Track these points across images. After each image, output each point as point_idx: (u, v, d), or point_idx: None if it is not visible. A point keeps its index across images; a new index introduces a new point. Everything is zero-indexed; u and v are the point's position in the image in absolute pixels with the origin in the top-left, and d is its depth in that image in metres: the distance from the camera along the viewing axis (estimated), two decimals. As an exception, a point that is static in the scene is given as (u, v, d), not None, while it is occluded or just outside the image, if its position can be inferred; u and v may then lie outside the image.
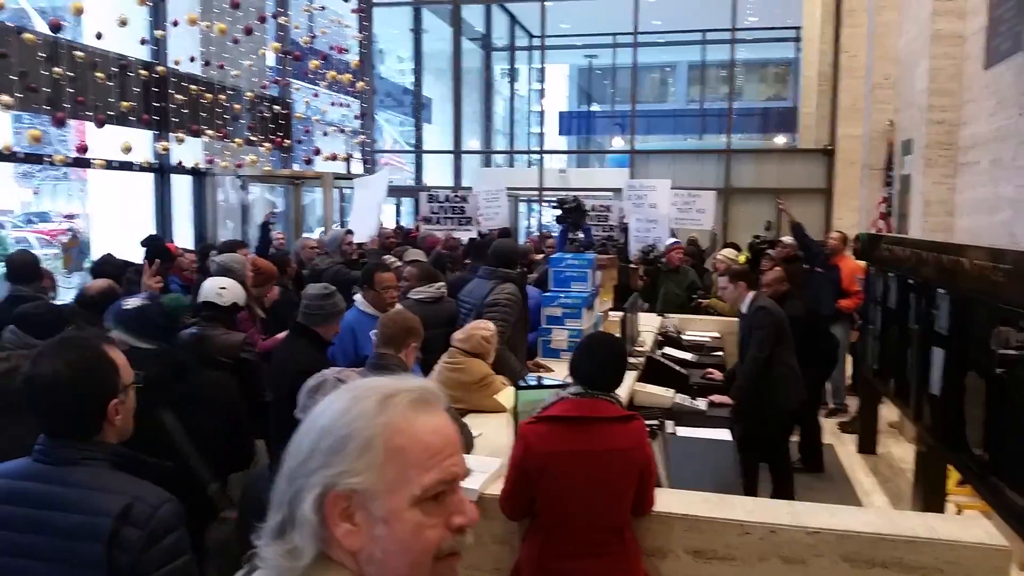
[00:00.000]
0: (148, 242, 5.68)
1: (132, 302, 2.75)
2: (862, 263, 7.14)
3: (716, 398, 4.91)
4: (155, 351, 2.73)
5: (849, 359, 7.52)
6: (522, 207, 18.72)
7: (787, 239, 8.61)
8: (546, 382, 3.79)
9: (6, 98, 6.81)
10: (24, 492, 1.70)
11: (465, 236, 9.11)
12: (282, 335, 4.45)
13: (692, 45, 23.50)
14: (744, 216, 14.16)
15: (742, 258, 8.51)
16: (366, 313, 4.43)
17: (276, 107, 11.76)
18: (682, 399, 4.79)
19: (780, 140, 22.97)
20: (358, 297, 4.48)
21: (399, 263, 6.15)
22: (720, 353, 6.39)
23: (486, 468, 3.02)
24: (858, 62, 12.04)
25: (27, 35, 7.26)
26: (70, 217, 17.87)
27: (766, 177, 14.41)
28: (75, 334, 2.03)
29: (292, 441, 1.03)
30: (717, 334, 6.91)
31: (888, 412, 7.05)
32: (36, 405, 1.77)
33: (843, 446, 6.72)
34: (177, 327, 2.81)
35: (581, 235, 8.36)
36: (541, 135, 16.53)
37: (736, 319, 5.57)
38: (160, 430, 2.66)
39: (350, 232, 7.84)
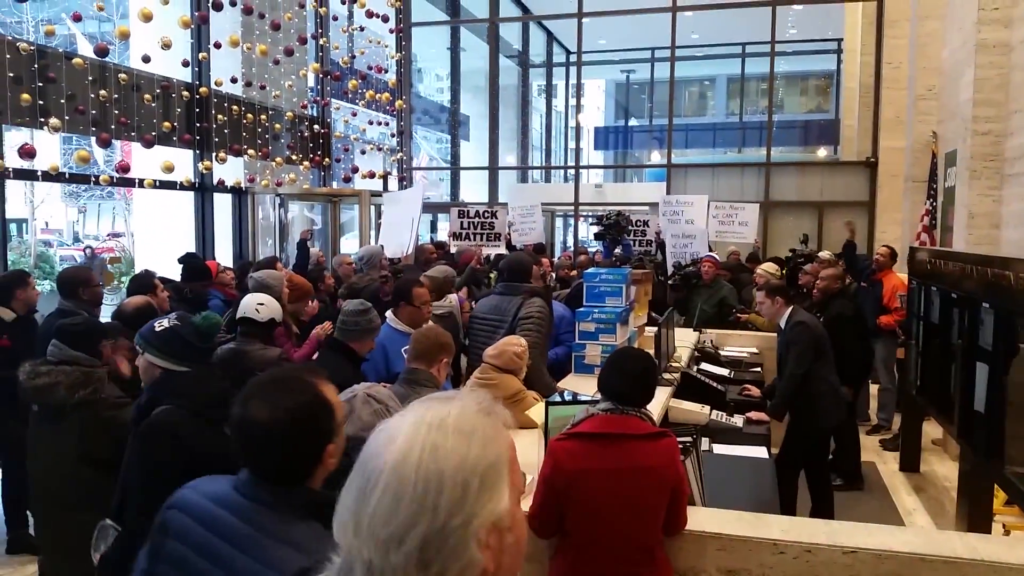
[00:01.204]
0: (184, 260, 5.80)
1: (163, 323, 2.68)
2: (904, 279, 7.01)
3: (754, 415, 4.83)
4: (195, 375, 2.70)
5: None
6: (558, 222, 18.73)
7: (824, 254, 8.50)
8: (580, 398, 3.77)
9: (55, 121, 7.03)
10: (219, 520, 1.63)
11: (493, 252, 9.13)
12: (309, 342, 4.51)
13: (731, 58, 23.38)
14: (784, 230, 13.97)
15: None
16: (397, 330, 4.45)
17: (315, 126, 11.96)
18: (718, 416, 4.73)
19: (821, 153, 22.69)
20: (389, 314, 4.51)
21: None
22: (758, 369, 6.31)
23: (516, 484, 3.00)
24: (901, 73, 11.86)
25: (76, 60, 7.50)
26: (115, 236, 18.33)
27: (807, 190, 14.22)
28: (288, 371, 1.83)
29: (380, 506, 0.94)
30: (755, 349, 6.81)
31: (931, 429, 6.88)
32: (247, 449, 1.67)
33: (885, 464, 6.56)
34: (212, 347, 2.77)
35: (618, 250, 8.34)
36: (577, 150, 16.55)
37: (775, 335, 5.49)
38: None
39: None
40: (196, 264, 5.82)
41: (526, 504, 2.79)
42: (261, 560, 1.55)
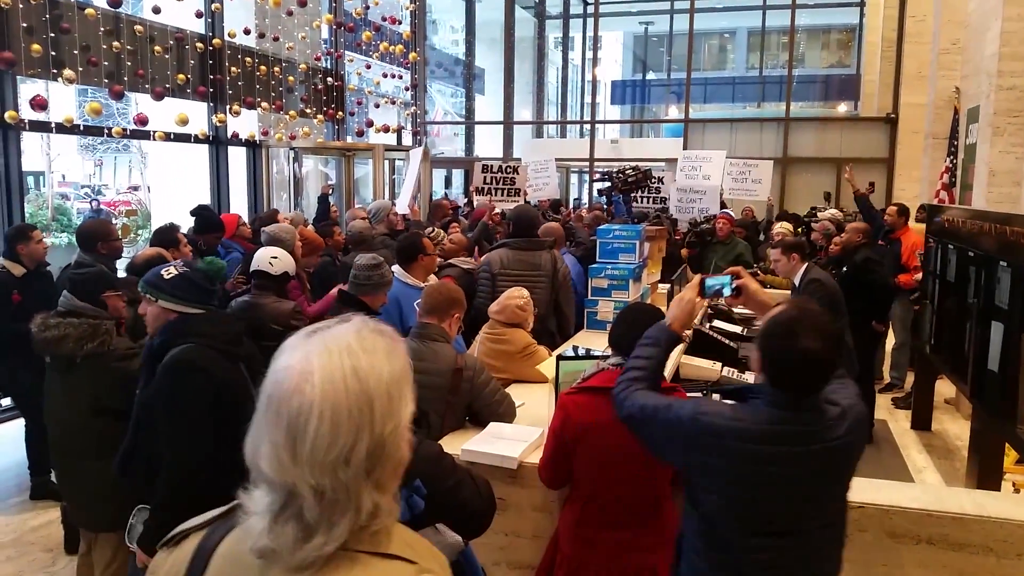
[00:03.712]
0: (196, 212, 5.81)
1: (169, 270, 2.73)
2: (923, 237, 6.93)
3: (763, 372, 4.83)
4: (209, 316, 2.78)
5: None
6: (573, 178, 18.59)
7: (828, 212, 8.41)
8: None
9: (69, 72, 7.01)
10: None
11: (511, 207, 9.09)
12: (325, 299, 4.56)
13: (752, 11, 22.88)
14: (803, 186, 13.83)
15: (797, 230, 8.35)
16: (409, 285, 4.48)
17: (329, 79, 11.86)
18: (729, 372, 4.73)
19: (842, 108, 22.30)
20: (398, 269, 4.52)
21: (445, 234, 6.25)
22: (772, 327, 6.28)
23: (526, 437, 3.04)
24: (925, 27, 11.60)
25: (88, 10, 7.44)
26: (133, 189, 18.37)
27: (826, 146, 14.03)
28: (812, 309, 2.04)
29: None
30: (769, 307, 6.78)
31: (944, 388, 6.87)
32: (804, 375, 1.96)
33: (896, 422, 6.58)
34: (216, 291, 2.83)
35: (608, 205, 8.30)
36: (594, 105, 16.33)
37: (789, 292, 5.47)
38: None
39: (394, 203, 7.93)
40: (208, 216, 5.84)
41: (536, 456, 2.83)
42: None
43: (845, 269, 6.02)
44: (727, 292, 2.60)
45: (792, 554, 2.04)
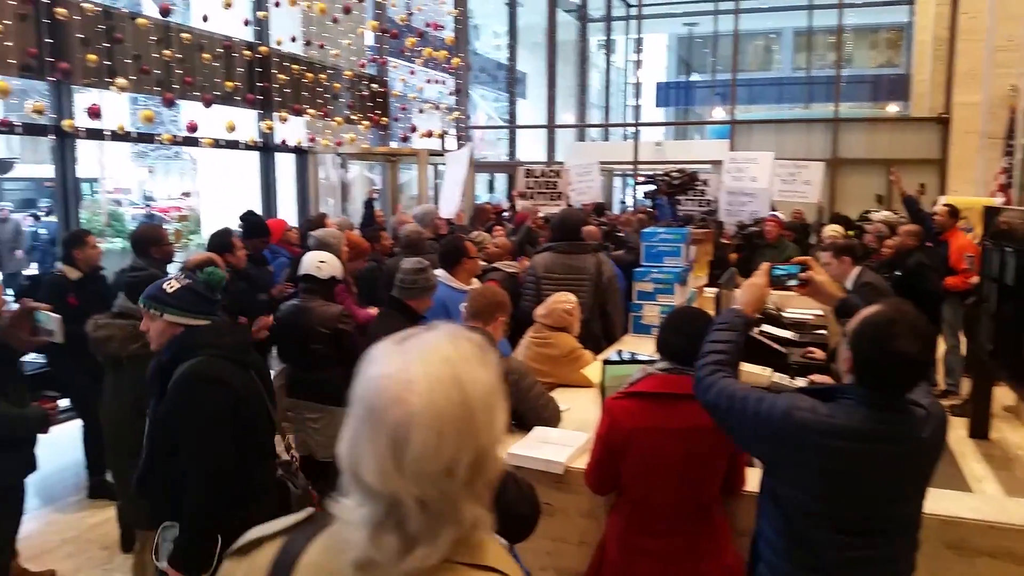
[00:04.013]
0: (244, 217, 5.91)
1: (171, 283, 2.68)
2: (971, 239, 6.73)
3: (817, 378, 4.73)
4: (216, 326, 2.74)
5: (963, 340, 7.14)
6: (616, 181, 18.48)
7: (881, 215, 8.23)
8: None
9: (122, 81, 7.18)
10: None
11: (555, 211, 9.07)
12: (372, 309, 4.59)
13: (798, 10, 22.54)
14: (853, 188, 13.57)
15: (849, 233, 8.19)
16: (454, 288, 4.49)
17: (374, 85, 11.97)
18: (780, 378, 4.64)
19: (891, 108, 21.84)
20: (441, 272, 4.53)
21: (489, 238, 6.25)
22: (823, 331, 6.16)
23: (573, 442, 3.02)
24: (978, 24, 11.29)
25: (140, 20, 7.62)
26: (185, 195, 18.79)
27: (877, 147, 13.74)
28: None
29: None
30: (820, 311, 6.65)
31: (1003, 395, 6.65)
32: (901, 376, 1.96)
33: (953, 430, 6.36)
34: (218, 300, 2.80)
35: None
36: (637, 107, 16.23)
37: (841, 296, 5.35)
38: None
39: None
40: (255, 221, 5.94)
41: (583, 461, 2.80)
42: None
43: (898, 273, 5.88)
44: (794, 282, 2.60)
45: (877, 553, 2.03)
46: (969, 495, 3.77)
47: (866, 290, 4.79)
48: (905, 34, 22.30)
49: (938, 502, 2.65)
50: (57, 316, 2.22)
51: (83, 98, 7.86)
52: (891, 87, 23.04)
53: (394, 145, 12.54)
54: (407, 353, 1.03)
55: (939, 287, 6.07)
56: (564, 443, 3.01)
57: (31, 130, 6.97)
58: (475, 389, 1.02)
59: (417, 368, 1.01)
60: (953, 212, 7.07)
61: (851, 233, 8.27)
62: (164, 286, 2.66)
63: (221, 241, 5.02)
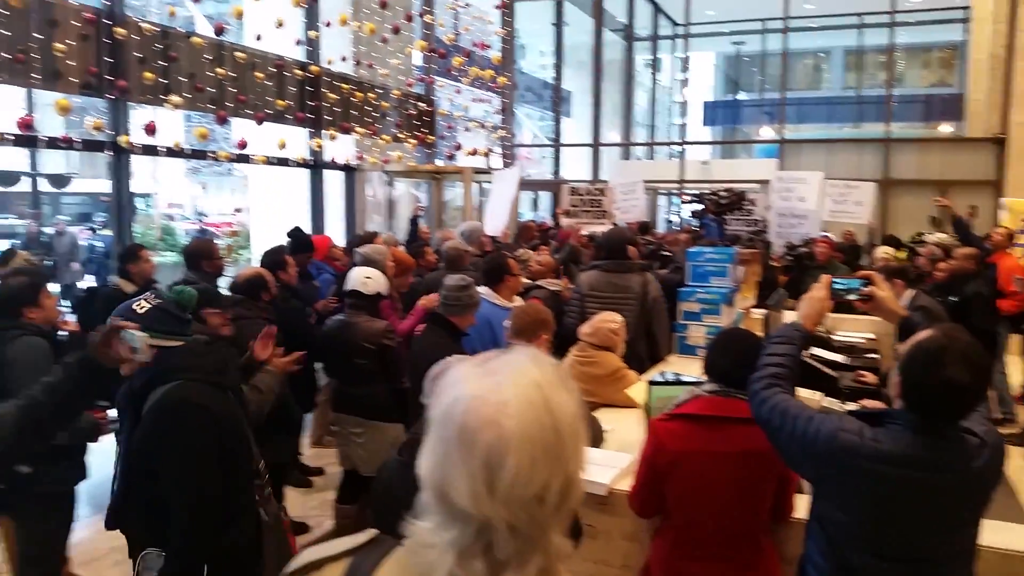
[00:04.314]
0: (291, 233, 6.00)
1: (141, 304, 2.53)
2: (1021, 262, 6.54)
3: (868, 403, 4.61)
4: (191, 347, 2.64)
5: (1018, 365, 6.90)
6: (662, 200, 18.37)
7: (935, 237, 8.03)
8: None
9: (176, 99, 7.37)
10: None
11: (599, 230, 9.05)
12: (413, 314, 4.63)
13: (848, 29, 22.25)
14: (905, 210, 13.28)
15: (901, 254, 8.01)
16: (498, 305, 4.48)
17: (421, 104, 12.11)
18: (831, 403, 4.54)
19: (944, 129, 21.38)
20: (484, 289, 4.53)
21: (533, 255, 6.24)
22: (875, 355, 6.01)
23: (616, 463, 2.98)
24: (1038, 42, 11.02)
25: (195, 39, 7.83)
26: (237, 211, 19.19)
27: (929, 168, 13.45)
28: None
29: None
30: (872, 335, 6.50)
31: (1064, 424, 6.41)
32: (951, 404, 1.91)
33: (1011, 460, 6.15)
34: (190, 320, 2.67)
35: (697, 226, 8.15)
36: (683, 126, 16.13)
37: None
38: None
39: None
40: (300, 237, 6.02)
41: (627, 483, 2.76)
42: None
43: (954, 299, 5.72)
44: (855, 296, 2.53)
45: None
46: (1030, 528, 3.63)
47: (920, 314, 4.67)
48: (959, 53, 21.85)
49: (996, 534, 2.54)
50: (143, 335, 2.23)
51: (139, 115, 8.08)
52: (944, 107, 22.56)
53: (439, 163, 12.65)
54: (497, 375, 1.02)
55: (991, 320, 5.85)
56: (607, 464, 2.97)
57: (89, 146, 7.19)
58: (563, 414, 1.00)
59: (509, 391, 0.99)
60: (1009, 235, 6.90)
61: (902, 255, 8.10)
62: (134, 307, 2.51)
63: (274, 259, 5.10)
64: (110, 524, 2.63)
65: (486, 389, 1.00)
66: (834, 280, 2.55)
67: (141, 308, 2.51)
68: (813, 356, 5.51)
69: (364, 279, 4.38)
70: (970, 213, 8.24)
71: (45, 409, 2.14)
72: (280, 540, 2.78)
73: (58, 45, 6.46)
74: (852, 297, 2.52)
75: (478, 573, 0.97)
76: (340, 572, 1.09)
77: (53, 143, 6.86)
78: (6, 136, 6.24)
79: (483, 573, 0.97)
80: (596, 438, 3.26)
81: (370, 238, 6.77)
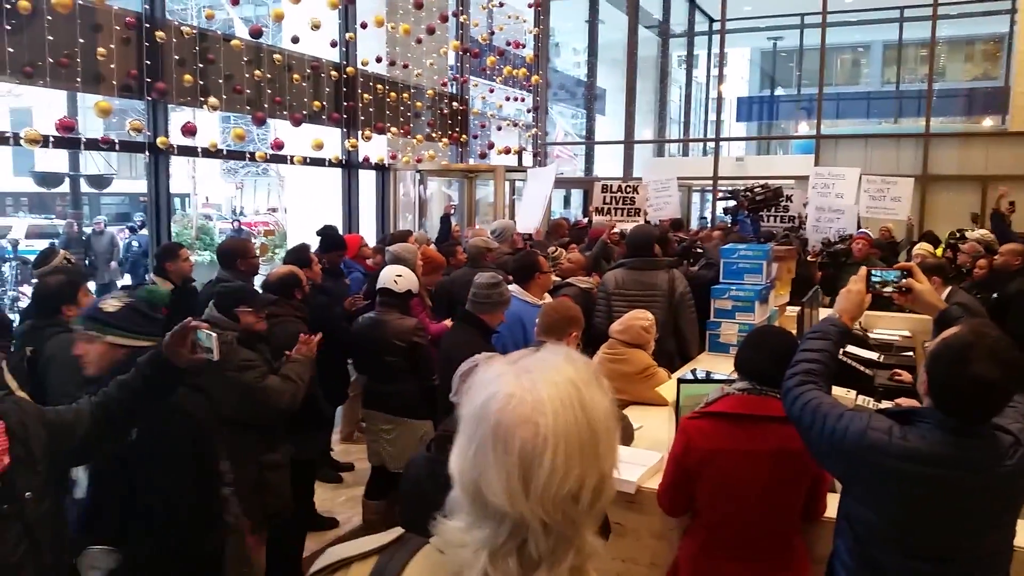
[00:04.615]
0: (322, 231, 6.06)
1: (111, 303, 2.47)
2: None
3: (904, 402, 4.53)
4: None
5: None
6: (695, 197, 18.22)
7: (976, 233, 7.85)
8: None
9: (214, 100, 7.49)
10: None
11: (630, 227, 8.99)
12: (447, 322, 4.64)
13: (888, 23, 21.86)
14: (944, 206, 13.02)
15: (939, 251, 7.86)
16: (529, 303, 4.49)
17: (454, 103, 12.15)
18: (864, 401, 4.47)
19: (987, 123, 20.90)
20: (515, 287, 4.54)
21: (564, 252, 6.25)
22: (910, 353, 5.91)
23: (645, 461, 2.96)
24: (1085, 33, 10.72)
25: (234, 42, 7.95)
26: (272, 210, 19.43)
27: (970, 163, 13.16)
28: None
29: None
30: (908, 333, 6.38)
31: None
32: (980, 403, 1.88)
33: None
34: (161, 320, 2.59)
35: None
36: (718, 122, 15.98)
37: (930, 317, 5.13)
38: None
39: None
40: (332, 235, 6.07)
41: (655, 481, 2.75)
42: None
43: (995, 296, 5.60)
44: (893, 289, 2.46)
45: None
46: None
47: (958, 308, 4.58)
48: (1004, 45, 21.34)
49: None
50: (215, 334, 2.25)
51: (178, 116, 8.22)
52: (987, 100, 22.06)
53: (472, 161, 12.69)
54: (531, 373, 1.01)
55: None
56: (636, 462, 2.96)
57: (128, 147, 7.34)
58: (598, 412, 1.00)
59: (545, 389, 0.99)
60: None
61: (940, 252, 7.94)
62: (102, 305, 2.46)
63: (299, 256, 5.16)
64: (80, 529, 2.45)
65: (521, 387, 0.99)
66: (871, 272, 2.49)
67: (111, 307, 2.46)
68: (848, 354, 5.43)
69: (395, 277, 4.41)
70: (1009, 209, 8.06)
71: (119, 405, 2.17)
72: (239, 543, 2.81)
73: (100, 49, 6.59)
74: (889, 290, 2.46)
75: (511, 572, 0.97)
76: (367, 571, 1.09)
77: (93, 144, 7.01)
78: (48, 138, 6.39)
79: (516, 572, 0.97)
80: (626, 436, 3.25)
81: (402, 236, 6.81)
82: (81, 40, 6.51)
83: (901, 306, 7.01)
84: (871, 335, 6.29)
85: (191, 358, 2.21)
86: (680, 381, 3.17)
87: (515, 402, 0.98)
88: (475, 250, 5.73)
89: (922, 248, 7.28)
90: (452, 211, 9.69)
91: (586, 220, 11.15)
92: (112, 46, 6.73)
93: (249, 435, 3.38)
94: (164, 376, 2.21)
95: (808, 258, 7.95)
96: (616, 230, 7.77)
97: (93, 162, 16.74)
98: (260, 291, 4.24)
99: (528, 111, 15.15)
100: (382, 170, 10.75)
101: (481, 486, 0.98)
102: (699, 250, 7.00)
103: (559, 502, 0.96)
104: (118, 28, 6.84)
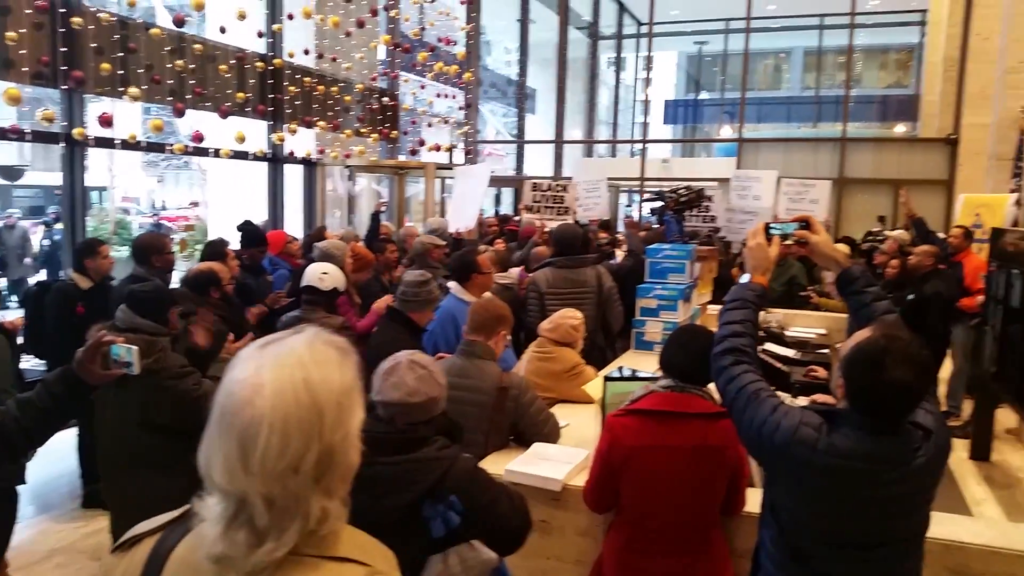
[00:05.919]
0: (242, 227, 5.93)
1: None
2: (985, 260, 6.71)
3: (820, 398, 4.70)
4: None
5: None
6: (623, 198, 18.49)
7: (895, 233, 8.19)
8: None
9: (134, 90, 7.23)
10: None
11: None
12: (371, 314, 4.61)
13: (808, 31, 22.61)
14: (859, 208, 13.56)
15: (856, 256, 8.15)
16: (463, 300, 4.48)
17: (384, 99, 12.03)
18: (782, 397, 4.62)
19: (899, 129, 21.84)
20: (453, 284, 4.54)
21: (491, 251, 6.26)
22: (826, 351, 6.14)
23: (571, 459, 3.00)
24: (991, 45, 11.30)
25: (154, 30, 7.68)
26: (194, 205, 18.89)
27: (884, 167, 13.74)
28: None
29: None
30: (823, 330, 6.63)
31: (1005, 417, 6.59)
32: (894, 406, 1.93)
33: (954, 452, 6.30)
34: None
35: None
36: (645, 125, 16.26)
37: (845, 315, 5.33)
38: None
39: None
40: (252, 231, 5.95)
41: (581, 478, 2.79)
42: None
43: (911, 296, 5.85)
44: (791, 241, 2.47)
45: (871, 568, 2.03)
46: (971, 519, 3.74)
47: (860, 269, 4.77)
48: (915, 55, 22.32)
49: (940, 526, 2.61)
50: (135, 347, 2.15)
51: (95, 107, 7.90)
52: (900, 108, 23.05)
53: (402, 158, 12.58)
54: (263, 357, 1.09)
55: (946, 320, 5.99)
56: (563, 460, 2.99)
57: (41, 137, 7.01)
58: (325, 390, 1.08)
59: (268, 373, 1.07)
60: (968, 234, 7.07)
61: (857, 255, 8.25)
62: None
63: (214, 251, 5.05)
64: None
65: (248, 372, 1.08)
66: (769, 225, 2.49)
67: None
68: (765, 351, 5.61)
69: (320, 275, 4.34)
70: (903, 195, 8.46)
71: (17, 424, 2.04)
72: None
73: (10, 33, 6.29)
74: (789, 241, 2.46)
75: (240, 543, 1.05)
76: (151, 546, 1.17)
77: (3, 134, 6.68)
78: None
79: (245, 543, 1.05)
80: (552, 434, 3.28)
81: (320, 233, 6.73)
82: (-12, 23, 6.21)
83: (817, 306, 7.25)
84: (788, 333, 6.51)
85: (103, 374, 2.11)
86: (607, 379, 3.21)
87: (239, 387, 1.07)
88: (421, 247, 5.70)
89: (841, 249, 7.54)
90: (383, 208, 9.57)
91: (516, 219, 11.19)
92: (23, 30, 6.43)
93: (181, 442, 3.26)
94: (73, 395, 2.10)
95: (730, 259, 8.16)
96: (546, 229, 7.83)
97: (4, 152, 15.96)
98: (177, 288, 4.12)
99: (459, 108, 15.11)
100: (309, 165, 10.57)
101: (209, 467, 1.06)
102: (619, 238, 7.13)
103: (277, 477, 1.04)
104: (29, 12, 6.53)
